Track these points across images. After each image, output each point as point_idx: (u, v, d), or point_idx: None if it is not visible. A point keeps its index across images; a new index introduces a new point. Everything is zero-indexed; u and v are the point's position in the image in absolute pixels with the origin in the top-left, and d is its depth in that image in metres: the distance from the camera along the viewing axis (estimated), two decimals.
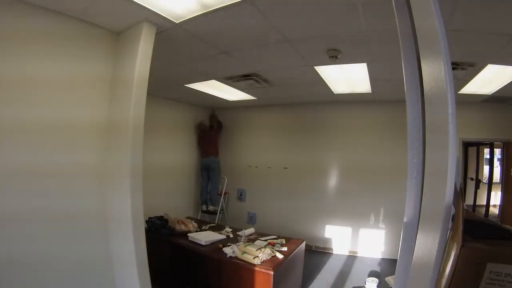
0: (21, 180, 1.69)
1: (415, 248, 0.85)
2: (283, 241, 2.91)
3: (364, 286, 3.06)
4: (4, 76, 1.63)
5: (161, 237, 2.96)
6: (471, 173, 5.14)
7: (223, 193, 5.08)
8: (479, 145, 5.09)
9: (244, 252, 2.41)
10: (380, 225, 4.23)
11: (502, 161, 4.11)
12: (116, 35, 2.19)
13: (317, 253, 4.35)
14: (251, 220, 5.15)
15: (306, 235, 3.99)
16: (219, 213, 4.89)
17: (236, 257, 2.44)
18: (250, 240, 2.86)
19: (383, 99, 4.08)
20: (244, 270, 2.38)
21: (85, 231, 2.00)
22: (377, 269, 3.70)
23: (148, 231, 2.74)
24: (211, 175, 5.01)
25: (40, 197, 1.77)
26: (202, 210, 5.05)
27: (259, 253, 2.35)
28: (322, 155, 4.67)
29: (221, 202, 4.94)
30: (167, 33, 2.16)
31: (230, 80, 3.49)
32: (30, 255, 1.72)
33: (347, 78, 3.26)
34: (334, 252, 4.41)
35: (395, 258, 0.87)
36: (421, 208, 0.86)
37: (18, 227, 1.68)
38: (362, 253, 4.27)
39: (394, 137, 4.04)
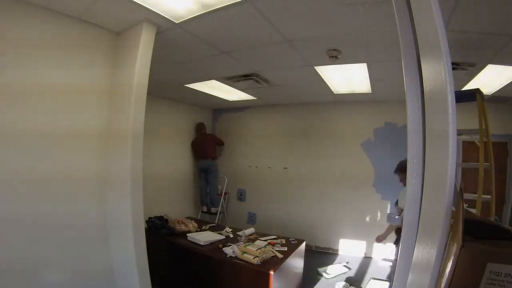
0: (21, 187, 1.69)
1: (415, 248, 0.85)
2: (283, 241, 2.91)
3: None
4: (4, 76, 1.63)
5: (161, 237, 2.96)
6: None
7: (223, 193, 5.08)
8: None
9: (244, 252, 2.41)
10: (385, 225, 4.20)
11: None
12: (116, 35, 2.19)
13: (318, 253, 4.35)
14: (251, 220, 5.15)
15: (307, 235, 3.98)
16: (219, 213, 4.89)
17: (236, 257, 2.44)
18: (250, 240, 2.86)
19: (383, 99, 4.08)
20: (244, 270, 2.37)
21: (85, 237, 2.01)
22: (377, 269, 3.69)
23: (148, 231, 2.74)
24: (209, 178, 4.99)
25: (40, 204, 1.78)
26: (202, 211, 5.05)
27: (259, 253, 2.35)
28: (322, 154, 4.66)
29: (221, 202, 4.94)
30: (167, 33, 2.16)
31: (230, 80, 3.49)
32: (30, 260, 1.72)
33: (347, 78, 3.26)
34: (335, 252, 4.41)
35: None
36: (421, 209, 0.86)
37: (19, 232, 1.68)
38: (366, 254, 4.25)
39: (394, 136, 4.06)
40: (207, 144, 5.02)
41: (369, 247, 4.24)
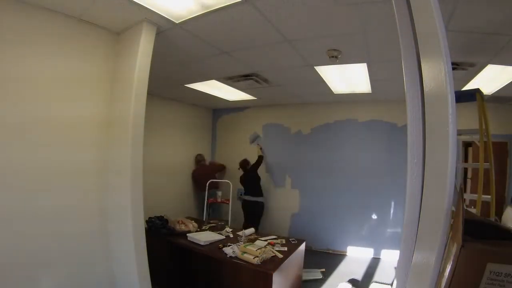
0: (21, 179, 1.69)
1: (415, 248, 0.85)
2: (283, 241, 2.91)
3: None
4: (5, 76, 1.63)
5: (161, 237, 2.96)
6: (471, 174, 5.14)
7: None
8: None
9: (244, 252, 2.41)
10: (385, 225, 4.19)
11: None
12: (116, 35, 2.19)
13: (318, 254, 4.34)
14: None
15: (306, 235, 3.98)
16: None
17: (236, 257, 2.43)
18: (250, 240, 2.86)
19: (383, 99, 4.08)
20: (244, 270, 2.37)
21: (86, 238, 2.01)
22: (384, 272, 3.67)
23: (148, 231, 2.74)
24: (215, 207, 4.97)
25: (39, 195, 1.77)
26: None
27: (259, 253, 2.34)
28: (322, 154, 4.66)
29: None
30: (167, 33, 2.16)
31: (230, 80, 3.49)
32: (30, 253, 1.72)
33: (347, 78, 3.26)
34: (337, 252, 4.41)
35: None
36: (421, 208, 0.86)
37: (20, 226, 1.68)
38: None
39: (394, 136, 4.06)
40: (208, 177, 4.93)
41: (378, 248, 4.21)
